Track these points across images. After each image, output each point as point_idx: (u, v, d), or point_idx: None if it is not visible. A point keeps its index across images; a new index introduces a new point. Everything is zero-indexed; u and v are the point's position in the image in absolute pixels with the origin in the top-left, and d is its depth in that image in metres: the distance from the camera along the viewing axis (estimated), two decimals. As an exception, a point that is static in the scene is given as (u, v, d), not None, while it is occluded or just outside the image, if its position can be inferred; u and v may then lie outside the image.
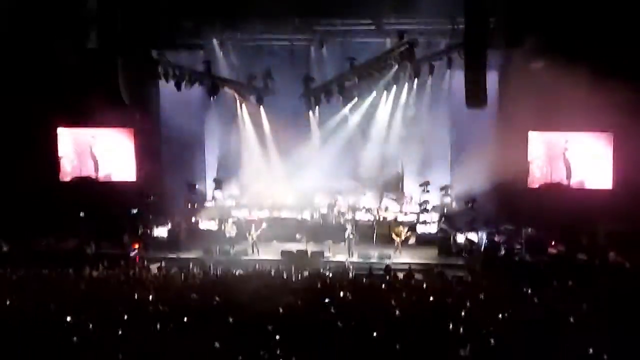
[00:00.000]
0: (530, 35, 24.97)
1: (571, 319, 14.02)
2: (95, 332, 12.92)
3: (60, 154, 31.05)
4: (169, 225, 28.62)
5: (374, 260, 25.48)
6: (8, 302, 14.63)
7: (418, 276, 21.81)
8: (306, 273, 21.64)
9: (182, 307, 14.89)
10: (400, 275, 22.01)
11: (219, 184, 31.89)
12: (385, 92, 29.71)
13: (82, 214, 28.64)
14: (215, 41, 30.33)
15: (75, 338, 12.22)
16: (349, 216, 28.93)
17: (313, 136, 31.05)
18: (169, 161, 30.45)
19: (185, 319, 13.39)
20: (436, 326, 13.07)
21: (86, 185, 30.73)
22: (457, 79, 26.40)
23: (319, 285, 18.07)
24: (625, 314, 14.44)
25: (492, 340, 12.48)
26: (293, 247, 26.81)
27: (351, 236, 26.70)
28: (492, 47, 24.66)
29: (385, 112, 30.26)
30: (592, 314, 14.51)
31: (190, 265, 23.87)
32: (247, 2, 26.37)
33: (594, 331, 12.59)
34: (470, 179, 27.98)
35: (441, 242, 27.12)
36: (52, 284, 19.07)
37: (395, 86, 29.27)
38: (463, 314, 13.97)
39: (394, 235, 26.81)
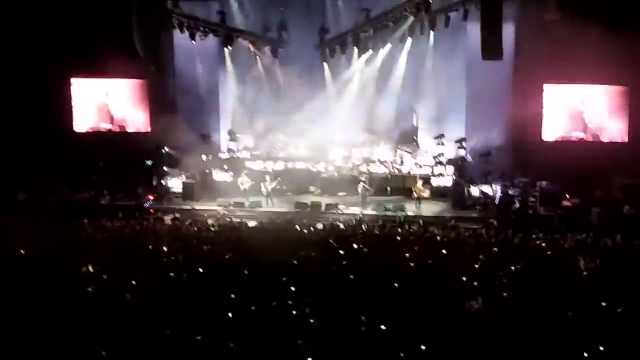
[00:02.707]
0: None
1: (584, 273, 14.01)
2: (109, 282, 12.99)
3: (74, 105, 31.01)
4: (184, 177, 28.70)
5: (388, 213, 25.53)
6: (23, 252, 14.65)
7: (432, 229, 21.81)
8: (320, 225, 21.66)
9: (196, 259, 14.95)
10: (414, 227, 22.06)
11: (233, 135, 31.84)
12: (400, 44, 29.53)
13: (100, 164, 28.64)
14: (229, -9, 30.09)
15: (89, 288, 12.29)
16: (363, 169, 28.95)
17: (328, 88, 30.94)
18: (184, 113, 30.25)
19: (200, 270, 13.40)
20: (449, 279, 13.07)
21: (100, 137, 30.77)
22: (473, 31, 26.15)
23: (332, 238, 18.05)
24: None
25: (504, 294, 12.50)
26: (307, 199, 26.90)
27: (365, 189, 26.74)
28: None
29: (401, 64, 30.08)
30: (606, 267, 14.47)
31: (205, 217, 24.01)
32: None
33: (608, 285, 12.56)
34: (485, 132, 27.90)
35: (455, 194, 27.12)
36: (66, 235, 19.15)
37: (410, 38, 29.09)
38: (476, 266, 13.94)
39: (414, 193, 26.74)
